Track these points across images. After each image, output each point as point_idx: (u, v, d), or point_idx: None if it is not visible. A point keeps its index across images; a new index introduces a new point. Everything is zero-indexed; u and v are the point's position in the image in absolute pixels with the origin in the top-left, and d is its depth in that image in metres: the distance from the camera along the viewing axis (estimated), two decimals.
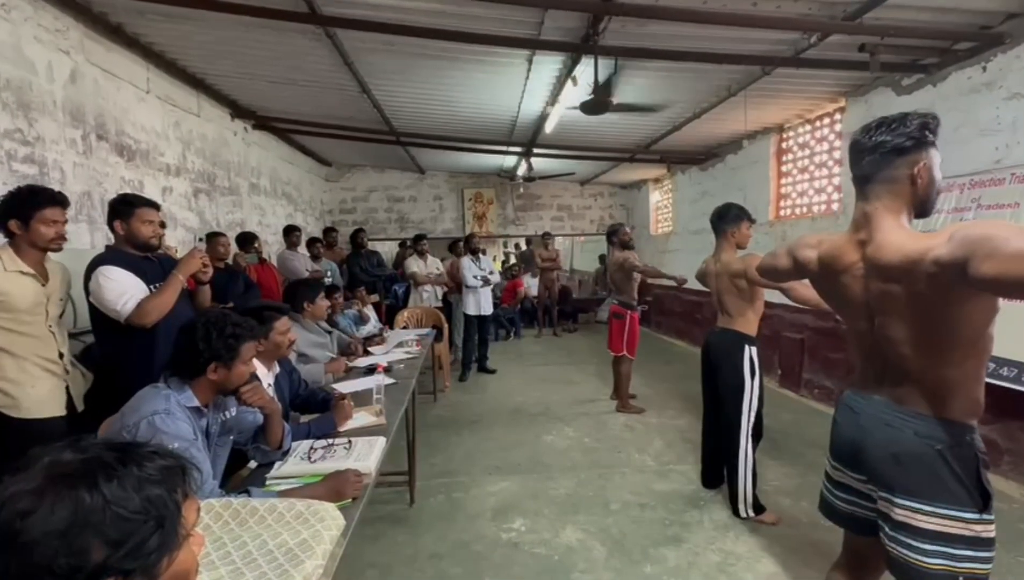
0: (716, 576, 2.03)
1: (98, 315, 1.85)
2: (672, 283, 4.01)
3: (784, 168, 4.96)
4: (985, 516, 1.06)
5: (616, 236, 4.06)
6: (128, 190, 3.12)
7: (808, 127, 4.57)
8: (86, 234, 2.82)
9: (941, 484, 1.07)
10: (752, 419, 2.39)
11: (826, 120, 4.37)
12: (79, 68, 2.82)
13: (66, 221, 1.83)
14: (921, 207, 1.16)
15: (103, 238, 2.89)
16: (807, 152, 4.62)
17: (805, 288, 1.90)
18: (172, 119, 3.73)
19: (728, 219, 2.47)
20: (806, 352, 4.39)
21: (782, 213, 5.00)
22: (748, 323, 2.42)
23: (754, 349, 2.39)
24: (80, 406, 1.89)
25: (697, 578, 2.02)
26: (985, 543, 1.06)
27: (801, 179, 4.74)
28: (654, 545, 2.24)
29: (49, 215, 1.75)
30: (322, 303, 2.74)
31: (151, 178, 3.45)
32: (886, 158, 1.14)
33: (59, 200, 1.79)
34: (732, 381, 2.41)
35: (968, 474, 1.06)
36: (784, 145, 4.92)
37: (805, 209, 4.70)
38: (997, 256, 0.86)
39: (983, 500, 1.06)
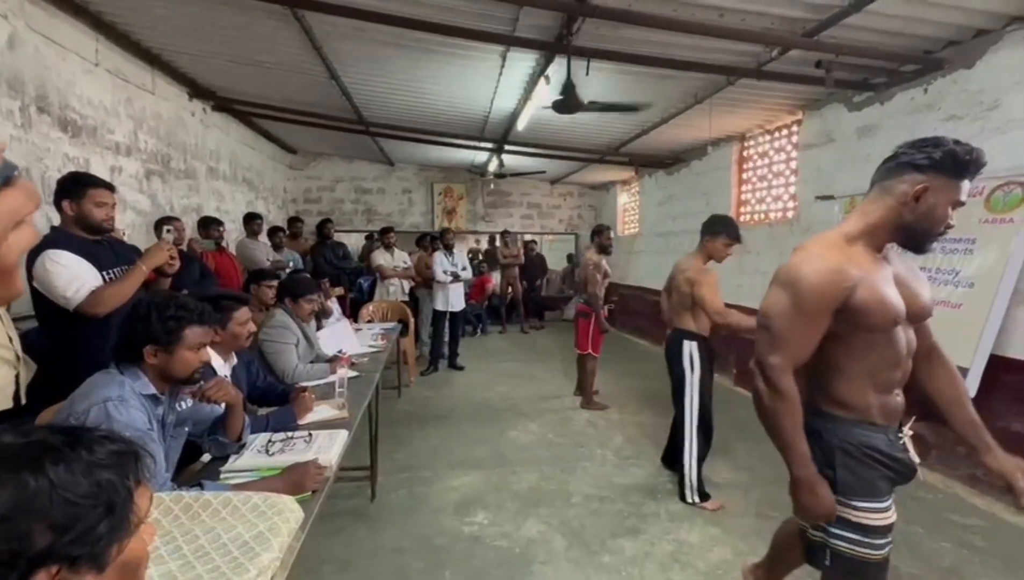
0: (670, 565, 2.11)
1: (43, 302, 1.73)
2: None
3: (745, 175, 5.17)
4: (846, 500, 1.16)
5: (599, 237, 4.07)
6: (72, 168, 2.93)
7: (768, 137, 4.78)
8: None
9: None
10: (697, 410, 2.55)
11: (784, 131, 4.58)
12: (18, 33, 2.62)
13: None
14: (908, 234, 1.12)
15: (42, 218, 2.70)
16: (766, 161, 4.84)
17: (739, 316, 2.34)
18: (123, 95, 3.51)
19: (707, 228, 2.62)
20: None
21: (742, 218, 5.21)
22: (691, 321, 2.59)
23: (694, 344, 2.56)
24: (24, 399, 1.75)
25: (652, 567, 2.09)
26: (850, 525, 1.16)
27: (760, 187, 4.96)
28: (612, 536, 2.31)
29: None
30: (305, 305, 2.65)
31: (98, 156, 3.24)
32: (897, 168, 1.11)
33: None
34: (677, 374, 2.61)
35: (826, 459, 1.18)
36: (745, 153, 5.13)
37: (763, 215, 4.91)
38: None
39: (841, 486, 1.17)
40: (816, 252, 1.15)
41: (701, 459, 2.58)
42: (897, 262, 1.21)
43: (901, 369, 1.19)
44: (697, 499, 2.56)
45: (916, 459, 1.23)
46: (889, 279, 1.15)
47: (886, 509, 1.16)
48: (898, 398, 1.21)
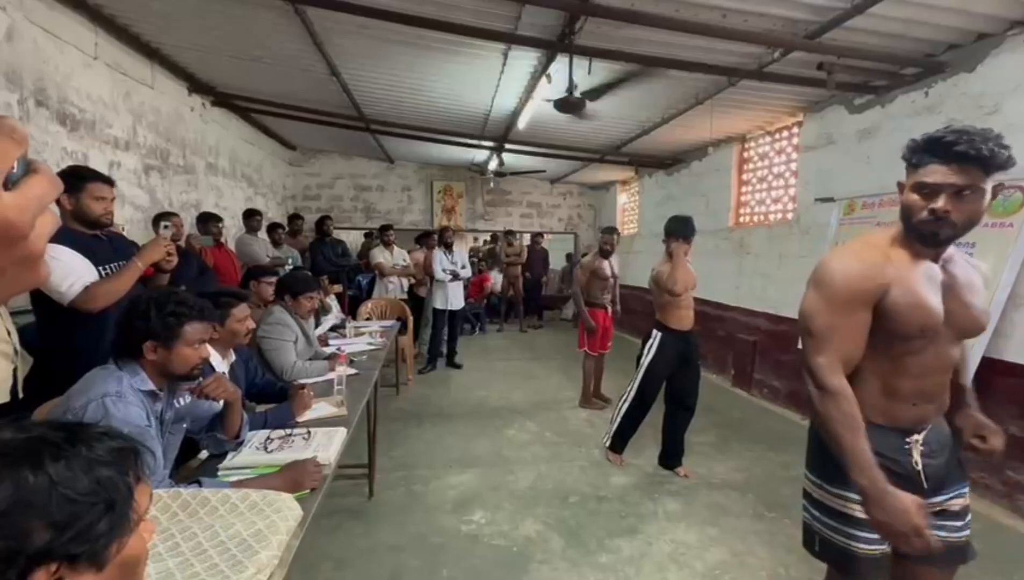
0: (667, 565, 2.11)
1: (39, 296, 1.72)
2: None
3: (745, 177, 5.17)
4: (827, 486, 1.19)
5: (601, 238, 4.09)
6: (71, 162, 2.92)
7: (768, 139, 4.78)
8: None
9: (808, 448, 1.29)
10: (637, 388, 2.96)
11: (785, 133, 4.58)
12: (16, 26, 2.60)
13: None
14: (908, 229, 1.12)
15: None
16: (767, 162, 4.84)
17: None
18: (122, 89, 3.49)
19: (665, 232, 2.90)
20: (758, 354, 4.61)
21: (741, 220, 5.22)
22: (661, 315, 2.93)
23: (659, 335, 2.90)
24: (21, 394, 1.74)
25: (650, 567, 2.10)
26: (834, 513, 1.17)
27: (760, 188, 4.96)
28: (610, 536, 2.31)
29: None
30: (305, 303, 2.62)
31: (97, 151, 3.22)
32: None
33: None
34: (639, 356, 3.01)
35: (823, 447, 1.18)
36: (745, 155, 5.13)
37: (763, 217, 4.92)
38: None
39: (825, 471, 1.20)
40: (851, 249, 1.16)
41: (629, 422, 3.02)
42: (959, 270, 1.14)
43: (925, 382, 1.15)
44: (608, 443, 3.10)
45: (919, 467, 1.16)
46: (930, 283, 1.11)
47: (858, 502, 1.15)
48: (917, 409, 1.17)
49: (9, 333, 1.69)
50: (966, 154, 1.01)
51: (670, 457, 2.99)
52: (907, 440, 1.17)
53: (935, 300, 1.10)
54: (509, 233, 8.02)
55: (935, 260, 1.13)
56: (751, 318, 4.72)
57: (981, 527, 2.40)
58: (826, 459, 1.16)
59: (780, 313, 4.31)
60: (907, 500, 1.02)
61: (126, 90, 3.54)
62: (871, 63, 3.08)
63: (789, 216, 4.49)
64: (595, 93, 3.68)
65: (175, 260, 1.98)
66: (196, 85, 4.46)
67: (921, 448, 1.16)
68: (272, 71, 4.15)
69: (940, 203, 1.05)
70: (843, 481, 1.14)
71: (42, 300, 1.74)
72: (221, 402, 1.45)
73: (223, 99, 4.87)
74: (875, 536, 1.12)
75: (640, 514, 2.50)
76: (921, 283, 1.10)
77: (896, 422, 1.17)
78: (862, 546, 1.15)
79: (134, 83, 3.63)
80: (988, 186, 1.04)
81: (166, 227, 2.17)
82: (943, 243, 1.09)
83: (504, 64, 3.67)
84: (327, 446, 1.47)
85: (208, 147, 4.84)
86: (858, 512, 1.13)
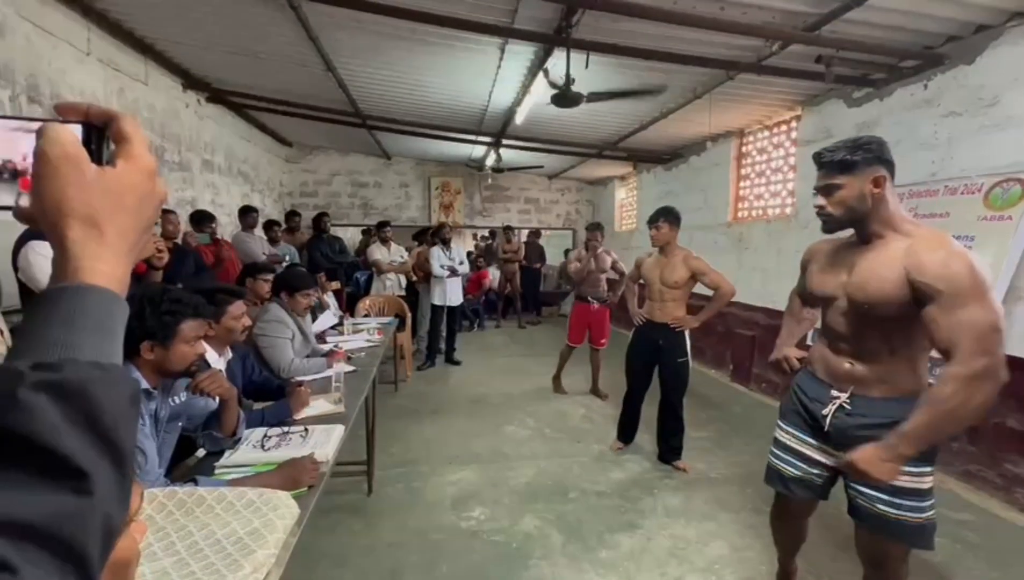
0: (667, 560, 2.11)
1: (29, 294, 1.71)
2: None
3: (743, 171, 5.16)
4: (777, 420, 1.61)
5: (586, 235, 4.21)
6: None
7: (767, 133, 4.76)
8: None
9: None
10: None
11: (783, 127, 4.56)
12: (7, 21, 2.57)
13: None
14: None
15: None
16: (765, 157, 4.82)
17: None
18: (116, 85, 3.46)
19: None
20: (756, 349, 4.61)
21: (740, 215, 5.20)
22: None
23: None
24: None
25: (650, 562, 2.10)
26: (774, 441, 1.60)
27: (759, 183, 4.94)
28: (609, 531, 2.31)
29: None
30: (302, 300, 2.60)
31: None
32: None
33: None
34: None
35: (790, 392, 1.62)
36: (744, 149, 5.11)
37: (761, 212, 4.91)
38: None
39: (780, 410, 1.63)
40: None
41: (623, 409, 3.18)
42: (881, 249, 1.32)
43: (857, 344, 1.38)
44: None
45: (826, 415, 1.41)
46: (838, 262, 1.42)
47: (787, 432, 1.55)
48: (853, 369, 1.38)
49: (2, 332, 1.67)
50: (823, 162, 1.34)
51: (665, 451, 2.99)
52: (832, 394, 1.41)
53: (824, 274, 1.45)
54: (508, 229, 8.01)
55: (866, 242, 1.36)
56: (750, 313, 4.71)
57: (978, 519, 2.42)
58: (782, 399, 1.62)
59: (778, 308, 4.30)
60: (783, 350, 1.67)
61: (120, 86, 3.50)
62: (870, 56, 3.07)
63: (788, 211, 4.48)
64: (596, 95, 3.65)
65: (166, 257, 1.96)
66: (191, 81, 4.42)
67: (846, 407, 1.38)
68: (267, 67, 4.11)
69: (816, 200, 1.38)
70: (783, 415, 1.58)
71: (31, 298, 1.73)
72: (217, 400, 1.44)
73: (218, 95, 4.83)
74: (786, 457, 1.54)
75: (639, 509, 2.50)
76: (825, 260, 1.47)
77: (831, 377, 1.44)
78: (774, 460, 1.58)
79: (128, 79, 3.60)
80: (853, 181, 1.29)
81: (155, 223, 2.15)
82: (831, 230, 1.39)
83: (501, 58, 3.65)
84: (325, 443, 1.46)
85: (204, 144, 4.81)
86: (778, 436, 1.57)
